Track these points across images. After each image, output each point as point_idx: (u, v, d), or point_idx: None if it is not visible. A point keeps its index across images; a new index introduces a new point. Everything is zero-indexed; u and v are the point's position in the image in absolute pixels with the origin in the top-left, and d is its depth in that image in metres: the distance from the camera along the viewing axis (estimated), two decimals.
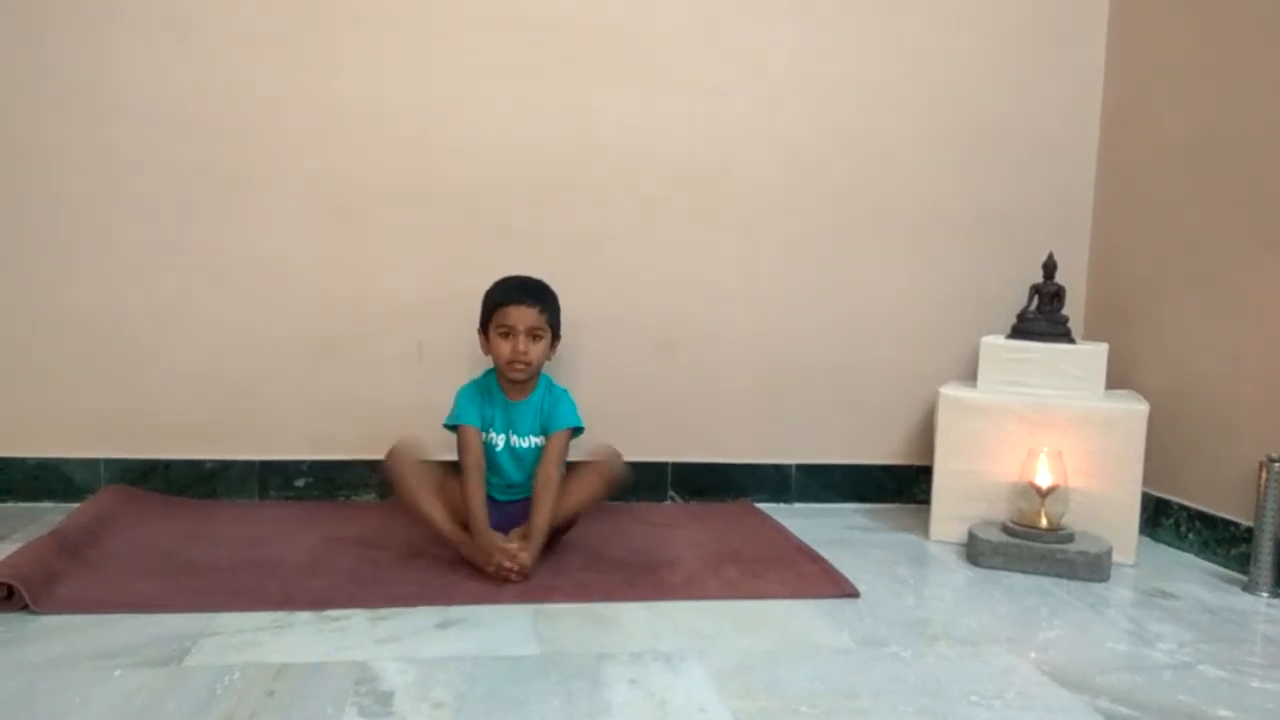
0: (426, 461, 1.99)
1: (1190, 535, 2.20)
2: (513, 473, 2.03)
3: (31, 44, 2.19)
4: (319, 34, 2.29)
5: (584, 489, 1.97)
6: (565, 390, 2.08)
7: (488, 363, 2.08)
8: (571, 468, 2.04)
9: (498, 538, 1.84)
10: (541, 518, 1.89)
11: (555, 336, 2.06)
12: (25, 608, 1.57)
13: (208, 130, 2.26)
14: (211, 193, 2.28)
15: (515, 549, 1.81)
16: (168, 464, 2.31)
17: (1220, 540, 2.11)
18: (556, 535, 1.97)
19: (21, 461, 2.26)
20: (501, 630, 1.58)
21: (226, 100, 2.27)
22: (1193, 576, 2.04)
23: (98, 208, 2.25)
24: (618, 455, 2.02)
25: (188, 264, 2.29)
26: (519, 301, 1.98)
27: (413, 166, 2.34)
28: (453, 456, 1.99)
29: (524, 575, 1.81)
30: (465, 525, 1.91)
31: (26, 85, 2.20)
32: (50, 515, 2.11)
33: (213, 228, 2.29)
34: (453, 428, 1.99)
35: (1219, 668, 1.54)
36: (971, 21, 2.53)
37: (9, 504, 2.25)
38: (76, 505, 2.12)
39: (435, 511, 1.91)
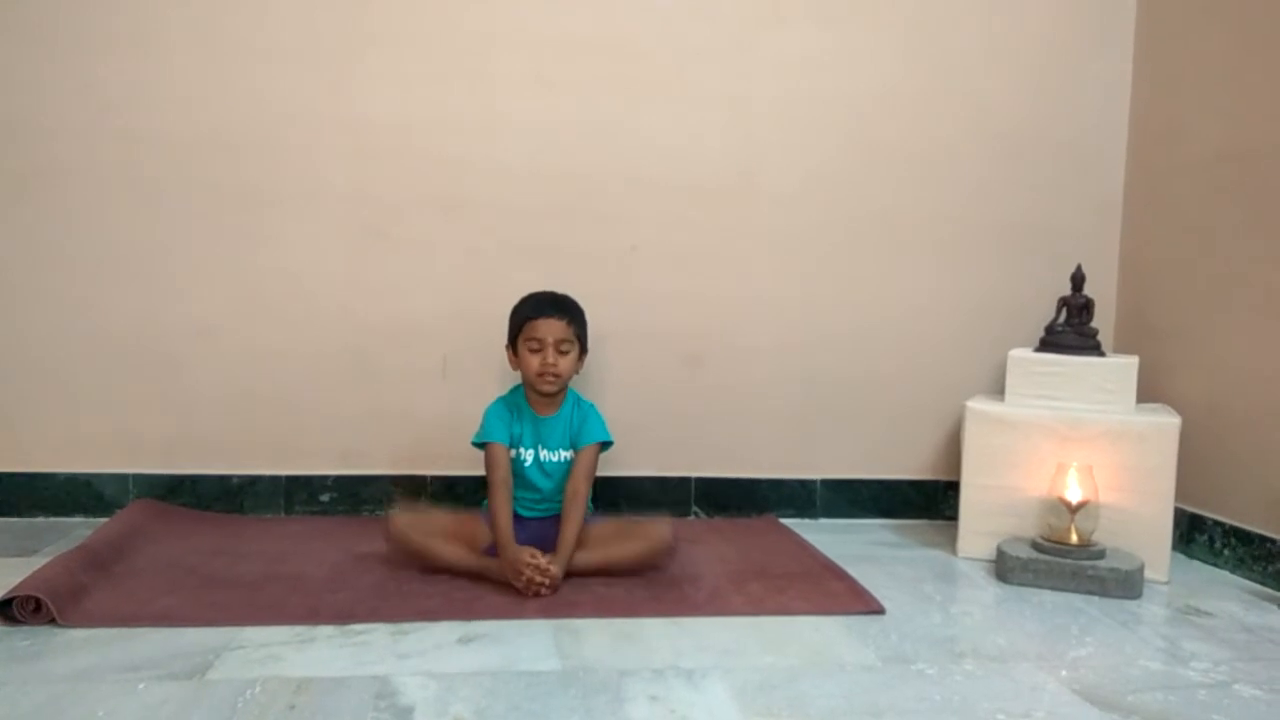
0: (422, 519, 1.98)
1: (1225, 552, 2.16)
2: (543, 487, 2.03)
3: (67, 65, 2.23)
4: (349, 53, 2.31)
5: (629, 548, 1.94)
6: (592, 404, 2.09)
7: (512, 376, 2.09)
8: (626, 521, 2.02)
9: (525, 551, 1.84)
10: (570, 531, 1.90)
11: (583, 350, 2.07)
12: (52, 621, 1.59)
13: (237, 148, 2.29)
14: (240, 210, 2.31)
15: (544, 562, 1.82)
16: (195, 479, 2.33)
17: (1256, 557, 2.07)
18: (580, 575, 1.91)
19: (51, 476, 2.29)
20: (523, 645, 1.58)
21: (257, 119, 2.30)
22: (1228, 594, 1.99)
23: (129, 225, 2.28)
24: (671, 532, 1.96)
25: (216, 280, 2.31)
26: (547, 315, 2.00)
27: (440, 182, 2.36)
28: (470, 473, 1.99)
29: (554, 587, 1.81)
30: (486, 552, 1.91)
31: (61, 105, 2.24)
32: (79, 529, 2.14)
33: (241, 244, 2.32)
34: (481, 445, 2.00)
35: (1256, 687, 1.50)
36: (998, 32, 2.51)
37: (39, 518, 2.28)
38: (105, 520, 2.14)
39: (452, 553, 1.91)
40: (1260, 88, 2.12)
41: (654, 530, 1.97)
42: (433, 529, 1.95)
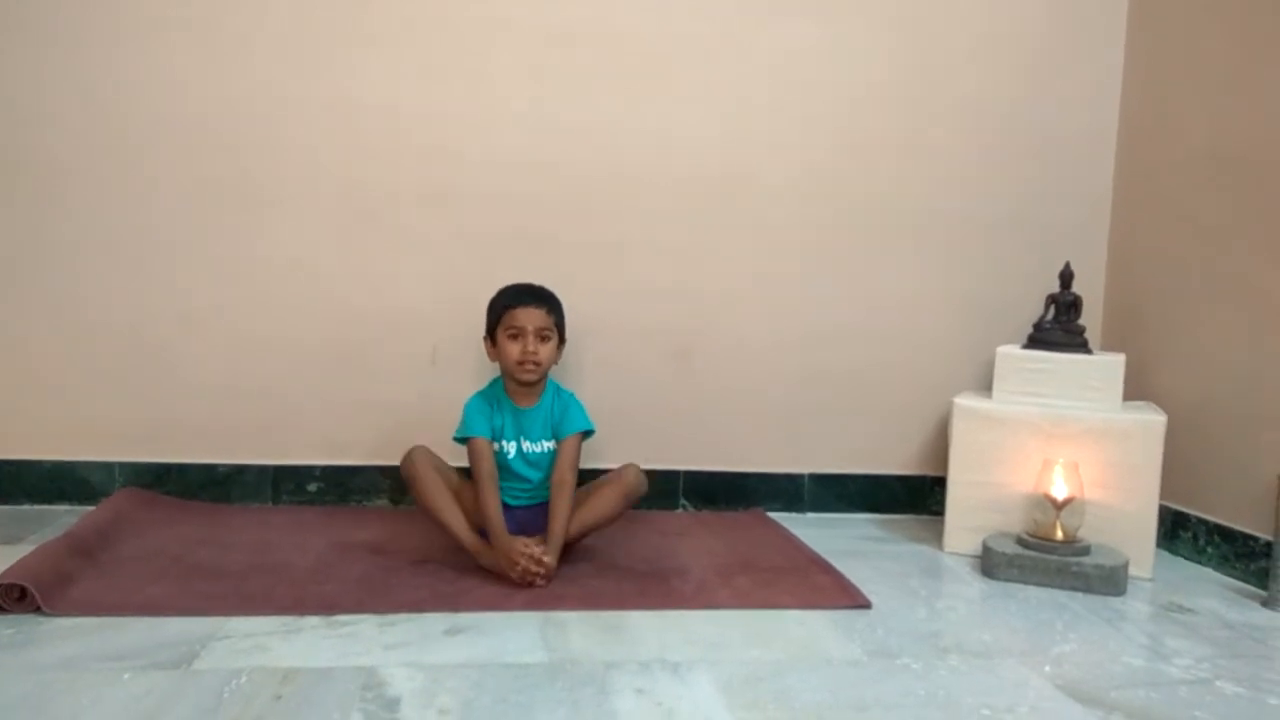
0: (443, 467, 1.99)
1: (1209, 549, 2.17)
2: (530, 477, 2.04)
3: (57, 53, 2.21)
4: (340, 42, 2.30)
5: (603, 503, 1.98)
6: (572, 394, 2.09)
7: (498, 370, 2.09)
8: (592, 480, 2.04)
9: (519, 542, 1.84)
10: (559, 521, 1.90)
11: (561, 339, 2.07)
12: (37, 609, 1.58)
13: (226, 137, 2.28)
14: (229, 199, 2.30)
15: (539, 551, 1.82)
16: (182, 468, 2.32)
17: (1240, 554, 2.09)
18: (571, 544, 1.96)
19: (37, 464, 2.27)
20: (510, 637, 1.58)
21: (246, 108, 2.28)
22: (1211, 591, 2.01)
23: (116, 213, 2.26)
24: (638, 470, 2.02)
25: (204, 269, 2.30)
26: (526, 304, 2.01)
27: (430, 173, 2.35)
28: (459, 464, 2.00)
29: (548, 577, 1.82)
30: (481, 533, 1.92)
31: (51, 94, 2.22)
32: (65, 518, 2.13)
33: (230, 233, 2.30)
34: (463, 440, 2.00)
35: (1237, 684, 1.52)
36: (989, 28, 2.52)
37: (24, 506, 2.26)
38: (91, 508, 2.13)
39: (453, 518, 1.92)
40: (1251, 85, 2.13)
41: (622, 480, 2.00)
42: (444, 485, 1.95)
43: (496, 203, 2.37)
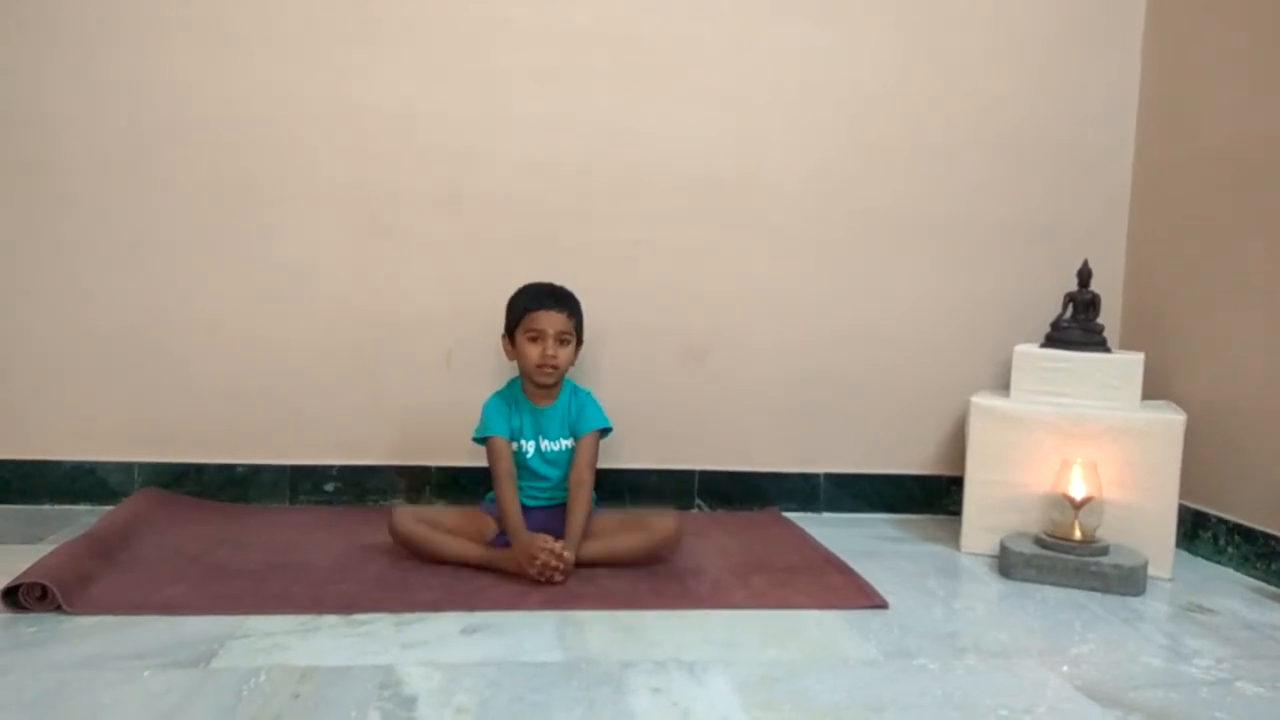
0: (425, 515, 1.99)
1: (1229, 549, 2.15)
2: (549, 475, 2.04)
3: (58, 53, 2.24)
4: (341, 42, 2.31)
5: (628, 546, 1.95)
6: (589, 392, 2.10)
7: (513, 369, 2.09)
8: (632, 514, 2.03)
9: (538, 538, 1.84)
10: (577, 518, 1.91)
11: (579, 340, 2.08)
12: (58, 608, 1.59)
13: (240, 141, 2.30)
14: (244, 202, 2.31)
15: (559, 547, 1.83)
16: (200, 468, 2.34)
17: (1260, 554, 2.07)
18: (585, 566, 1.92)
19: (58, 464, 2.29)
20: (526, 636, 1.58)
21: (258, 111, 2.30)
22: (1231, 591, 1.99)
23: (134, 217, 2.28)
24: (676, 525, 1.97)
25: (221, 272, 2.32)
26: (548, 307, 2.01)
27: (433, 173, 2.36)
28: (473, 464, 2.00)
29: (566, 573, 1.83)
30: (493, 543, 1.93)
31: (64, 98, 2.24)
32: (85, 518, 2.14)
33: (246, 236, 2.32)
34: (482, 440, 2.01)
35: (1258, 685, 1.50)
36: (1003, 26, 2.50)
37: (45, 506, 2.29)
38: (111, 508, 2.15)
39: (458, 548, 1.92)
40: (1269, 86, 2.11)
41: (658, 522, 1.98)
42: (436, 523, 1.96)
43: (501, 203, 2.37)
